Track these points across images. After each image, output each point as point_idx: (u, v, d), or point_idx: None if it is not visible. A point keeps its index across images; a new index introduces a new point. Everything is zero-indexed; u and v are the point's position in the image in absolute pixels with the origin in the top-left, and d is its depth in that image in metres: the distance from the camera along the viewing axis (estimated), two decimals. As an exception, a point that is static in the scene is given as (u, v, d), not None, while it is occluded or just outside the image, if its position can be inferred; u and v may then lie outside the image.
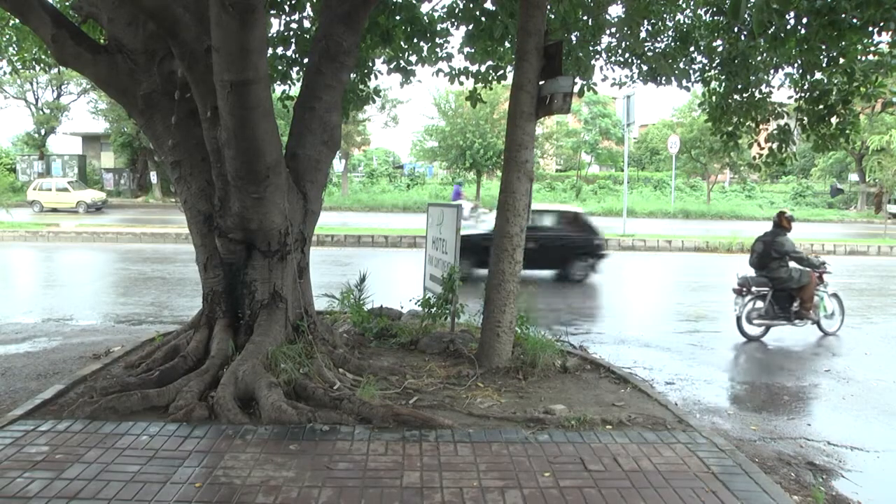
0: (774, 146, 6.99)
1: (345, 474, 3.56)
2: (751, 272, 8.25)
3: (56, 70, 25.29)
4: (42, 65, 8.55)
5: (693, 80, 7.82)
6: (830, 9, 5.38)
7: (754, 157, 7.69)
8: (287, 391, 4.55)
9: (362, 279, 7.15)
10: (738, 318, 7.91)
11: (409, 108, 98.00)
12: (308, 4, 7.13)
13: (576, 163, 44.45)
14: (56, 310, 8.68)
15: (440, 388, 5.07)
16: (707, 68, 7.65)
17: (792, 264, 8.04)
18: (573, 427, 4.32)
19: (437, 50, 7.73)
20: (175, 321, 7.86)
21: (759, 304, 7.98)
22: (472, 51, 7.71)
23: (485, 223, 12.92)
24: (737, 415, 5.31)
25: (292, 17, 7.28)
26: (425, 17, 7.36)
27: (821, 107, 6.53)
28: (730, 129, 7.28)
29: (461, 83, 8.23)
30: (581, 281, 11.86)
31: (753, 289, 7.96)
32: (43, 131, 34.30)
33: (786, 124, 7.00)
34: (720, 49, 7.16)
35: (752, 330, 7.96)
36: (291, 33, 7.32)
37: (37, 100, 33.84)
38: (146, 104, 5.12)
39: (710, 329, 8.57)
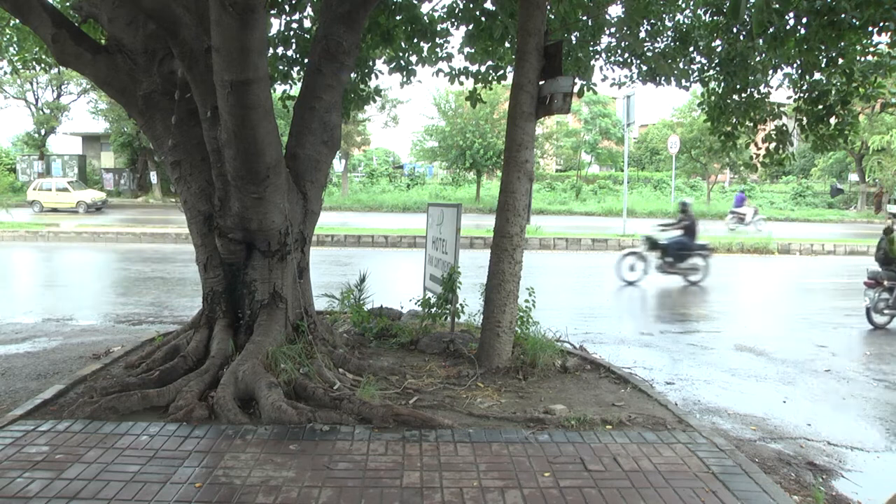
0: (772, 147, 6.99)
1: (345, 474, 3.56)
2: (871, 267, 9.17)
3: (56, 70, 25.34)
4: (42, 65, 8.54)
5: (692, 80, 7.82)
6: (830, 9, 5.38)
7: (751, 158, 7.69)
8: (287, 391, 4.55)
9: (362, 279, 7.16)
10: (868, 309, 8.80)
11: (409, 108, 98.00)
12: (308, 4, 7.13)
13: (576, 163, 44.45)
14: (56, 310, 8.68)
15: (440, 388, 5.07)
16: (706, 68, 7.65)
17: None
18: (573, 427, 4.32)
19: (438, 50, 7.73)
20: (175, 321, 7.86)
21: (886, 295, 8.80)
22: (472, 51, 7.70)
23: (760, 231, 13.03)
24: (737, 415, 5.31)
25: (293, 17, 7.28)
26: (425, 17, 7.36)
27: (820, 107, 6.53)
28: (728, 129, 7.28)
29: (461, 83, 8.23)
30: None
31: (886, 282, 8.79)
32: (43, 131, 34.27)
33: (783, 125, 7.01)
34: (719, 49, 7.16)
35: (880, 319, 8.87)
36: (292, 33, 7.33)
37: (37, 100, 33.83)
38: (146, 104, 5.12)
39: (710, 329, 8.57)
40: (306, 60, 6.53)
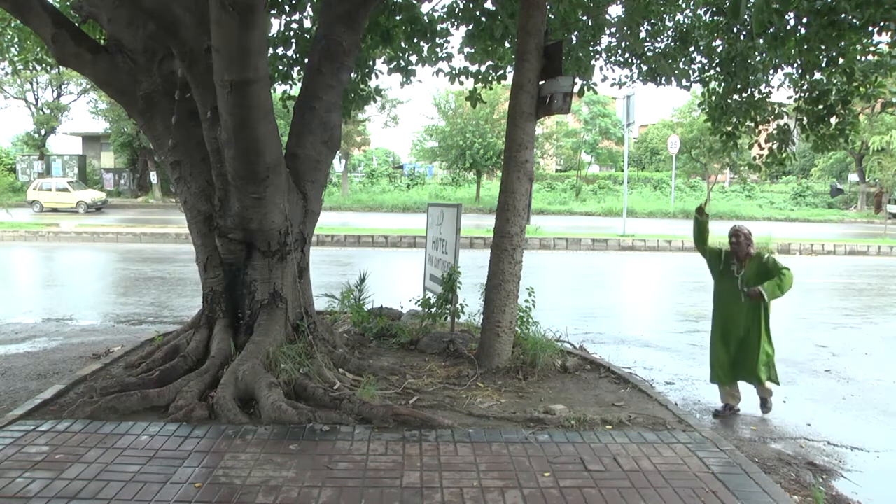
0: (774, 146, 6.99)
1: (345, 474, 3.56)
2: None
3: (56, 70, 25.27)
4: (42, 65, 8.54)
5: (693, 80, 7.81)
6: (830, 9, 5.38)
7: (754, 158, 7.68)
8: (287, 391, 4.55)
9: (362, 279, 7.15)
10: None
11: (409, 108, 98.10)
12: (308, 4, 7.13)
13: (576, 163, 44.42)
14: (56, 310, 8.68)
15: (440, 388, 5.06)
16: (706, 68, 7.65)
17: None
18: (573, 427, 4.32)
19: (438, 50, 7.73)
20: (175, 321, 7.86)
21: None
22: (472, 51, 7.70)
23: None
24: (737, 415, 5.30)
25: (292, 17, 7.28)
26: (425, 17, 7.36)
27: (820, 107, 6.52)
28: (729, 129, 7.27)
29: (461, 83, 8.23)
30: None
31: None
32: (43, 131, 34.27)
33: (785, 124, 7.00)
34: (720, 49, 7.15)
35: None
36: (292, 33, 7.32)
37: (37, 100, 33.82)
38: (146, 104, 5.13)
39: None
40: (306, 60, 6.53)
